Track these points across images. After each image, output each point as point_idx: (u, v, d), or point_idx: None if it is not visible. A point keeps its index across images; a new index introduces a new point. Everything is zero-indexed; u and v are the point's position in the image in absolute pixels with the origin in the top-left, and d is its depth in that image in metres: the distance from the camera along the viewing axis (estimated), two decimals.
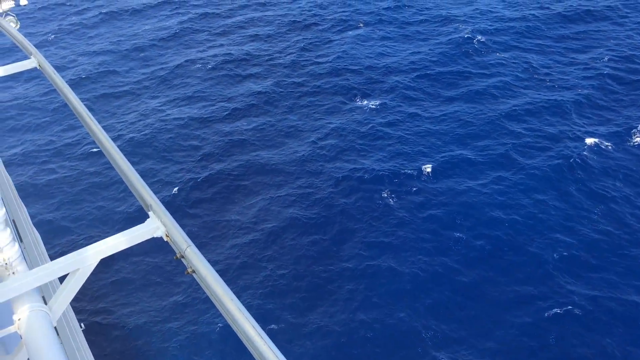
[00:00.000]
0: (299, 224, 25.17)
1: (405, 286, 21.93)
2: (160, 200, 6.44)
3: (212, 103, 34.37)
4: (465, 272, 22.26)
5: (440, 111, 32.13)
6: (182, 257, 5.91)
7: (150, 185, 22.86)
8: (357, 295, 21.75)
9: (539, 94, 32.80)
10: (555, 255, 22.56)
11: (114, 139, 29.19)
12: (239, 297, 5.05)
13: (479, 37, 39.10)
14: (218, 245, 24.38)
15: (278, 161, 29.09)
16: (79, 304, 21.34)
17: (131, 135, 31.31)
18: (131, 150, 30.13)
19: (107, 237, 6.21)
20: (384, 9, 45.01)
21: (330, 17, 44.57)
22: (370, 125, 31.38)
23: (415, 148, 29.42)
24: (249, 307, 19.89)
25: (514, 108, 31.65)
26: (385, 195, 26.39)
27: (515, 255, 22.82)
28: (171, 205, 26.21)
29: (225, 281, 5.40)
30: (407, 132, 30.74)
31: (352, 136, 30.64)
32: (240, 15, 45.96)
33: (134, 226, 6.28)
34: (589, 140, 28.60)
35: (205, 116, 33.02)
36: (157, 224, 6.26)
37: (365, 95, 34.24)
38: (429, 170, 27.60)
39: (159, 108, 33.81)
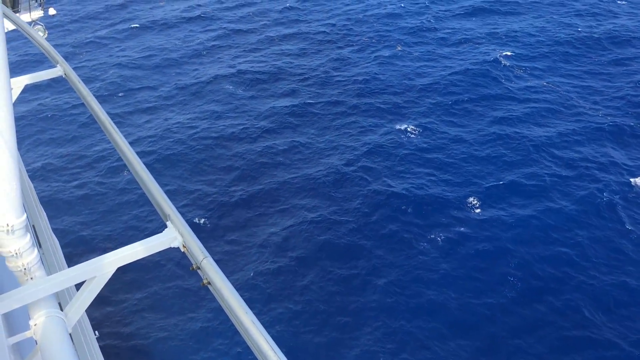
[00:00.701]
0: (331, 253, 24.01)
1: (450, 325, 20.59)
2: (183, 217, 6.46)
3: (243, 120, 33.77)
4: (516, 311, 20.94)
5: (481, 136, 31.17)
6: (199, 268, 5.92)
7: (177, 202, 22.81)
8: (395, 335, 20.50)
9: (588, 122, 31.56)
10: (612, 297, 21.26)
11: (141, 155, 29.40)
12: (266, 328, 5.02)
13: (521, 63, 38.19)
14: (244, 272, 23.55)
15: (310, 183, 28.17)
16: (94, 311, 21.44)
17: (159, 150, 31.10)
18: (159, 167, 29.78)
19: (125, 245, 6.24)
20: (420, 29, 44.18)
21: (365, 36, 43.75)
22: (409, 149, 30.19)
23: (457, 175, 28.14)
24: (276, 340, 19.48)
25: (562, 135, 30.51)
26: (427, 226, 25.02)
27: (568, 294, 21.52)
28: (201, 229, 25.53)
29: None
30: (448, 158, 29.56)
31: (389, 161, 29.53)
32: (273, 31, 45.53)
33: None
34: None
35: (235, 133, 32.40)
36: (175, 234, 6.28)
37: (402, 117, 33.15)
38: (473, 200, 26.21)
39: (189, 124, 33.45)
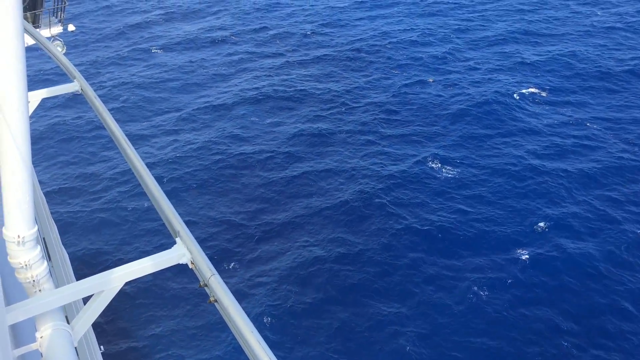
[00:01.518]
0: (356, 291, 22.82)
1: None
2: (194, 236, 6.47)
3: (264, 144, 32.89)
4: None
5: (516, 171, 29.47)
6: (206, 285, 5.91)
7: (196, 229, 22.41)
8: None
9: (629, 159, 30.43)
10: None
11: (158, 175, 29.45)
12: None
13: (552, 96, 36.89)
14: (257, 304, 22.85)
15: (332, 214, 27.01)
16: (99, 325, 21.41)
17: (176, 172, 30.87)
18: (175, 187, 29.51)
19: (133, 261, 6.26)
20: (447, 58, 42.77)
21: (391, 62, 42.47)
22: (439, 181, 28.72)
23: (504, 225, 25.96)
24: None
25: (602, 171, 29.45)
26: (472, 283, 22.96)
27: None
28: (213, 250, 25.11)
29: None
30: (482, 192, 27.86)
31: (419, 193, 27.88)
32: (297, 55, 44.71)
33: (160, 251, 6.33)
34: None
35: (256, 157, 31.62)
36: (183, 251, 6.29)
37: (430, 147, 31.56)
38: (524, 254, 24.10)
39: (208, 146, 32.84)
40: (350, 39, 46.60)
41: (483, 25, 48.12)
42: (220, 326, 21.45)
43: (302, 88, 39.35)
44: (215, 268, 6.03)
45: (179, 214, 6.85)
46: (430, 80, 39.16)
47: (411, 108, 36.25)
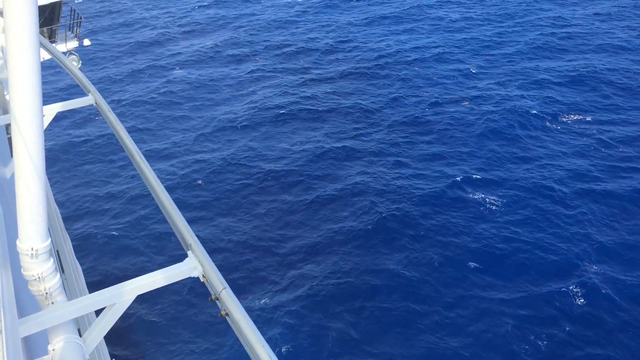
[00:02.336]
0: (395, 338, 21.29)
1: None
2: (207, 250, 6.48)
3: (285, 159, 32.30)
4: None
5: (562, 196, 27.53)
6: (217, 299, 5.91)
7: (208, 242, 21.81)
8: None
9: None
10: None
11: (172, 189, 29.47)
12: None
13: (590, 116, 35.24)
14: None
15: (358, 240, 25.82)
16: (111, 338, 21.42)
17: (192, 185, 30.76)
18: (190, 200, 29.22)
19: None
20: (476, 74, 41.44)
21: (420, 79, 41.13)
22: (484, 215, 26.82)
23: (549, 253, 24.30)
24: None
25: None
26: (516, 320, 21.30)
27: None
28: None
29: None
30: (534, 231, 25.69)
31: (462, 230, 25.99)
32: (322, 70, 43.77)
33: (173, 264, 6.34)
34: None
35: (277, 173, 30.94)
36: (195, 264, 6.30)
37: (470, 174, 29.82)
38: (573, 285, 22.29)
39: (228, 163, 32.41)
40: (374, 55, 45.74)
41: (510, 42, 46.90)
42: (231, 340, 21.39)
43: (326, 105, 38.40)
44: (227, 282, 6.03)
45: (196, 230, 6.85)
46: (466, 103, 37.45)
47: (439, 127, 34.92)
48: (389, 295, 22.99)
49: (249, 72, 44.26)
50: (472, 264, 24.16)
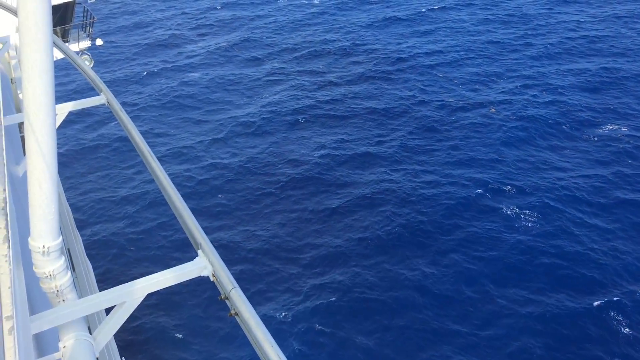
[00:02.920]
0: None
1: None
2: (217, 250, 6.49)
3: (307, 163, 31.64)
4: None
5: (613, 225, 25.99)
6: (227, 298, 5.92)
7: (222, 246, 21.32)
8: None
9: None
10: None
11: (184, 190, 29.53)
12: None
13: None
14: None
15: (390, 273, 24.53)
16: (121, 336, 21.52)
17: (206, 188, 30.62)
18: (202, 203, 29.03)
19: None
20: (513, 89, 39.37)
21: (442, 82, 40.27)
22: (524, 236, 25.52)
23: (589, 267, 23.29)
24: None
25: None
26: (563, 351, 20.32)
27: None
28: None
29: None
30: (579, 250, 24.57)
31: (494, 239, 25.26)
32: (339, 70, 43.06)
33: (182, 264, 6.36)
34: None
35: (296, 176, 30.31)
36: (205, 263, 6.32)
37: (506, 192, 28.35)
38: (616, 315, 21.24)
39: (244, 165, 32.16)
40: (393, 57, 44.64)
41: (534, 45, 45.54)
42: (240, 339, 21.42)
43: (345, 109, 37.50)
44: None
45: (216, 238, 6.87)
46: (492, 110, 36.04)
47: (462, 133, 33.88)
48: (417, 310, 22.23)
49: (265, 74, 43.75)
50: (502, 278, 23.40)
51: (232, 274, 6.12)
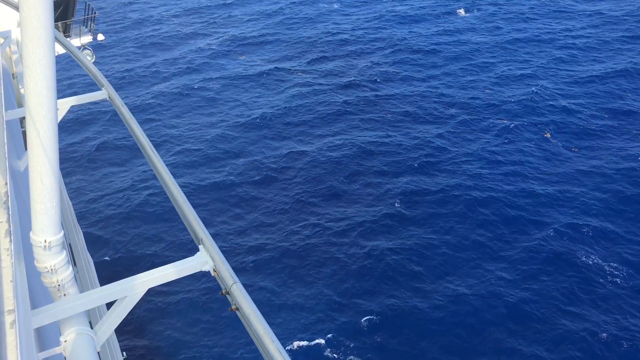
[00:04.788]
0: None
1: None
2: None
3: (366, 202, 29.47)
4: None
5: None
6: (228, 293, 5.93)
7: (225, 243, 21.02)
8: None
9: None
10: None
11: (187, 187, 29.50)
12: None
13: None
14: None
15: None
16: (122, 331, 21.58)
17: (209, 183, 30.48)
18: (203, 197, 28.90)
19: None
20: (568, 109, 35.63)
21: (487, 101, 36.83)
22: (613, 294, 22.48)
23: None
24: None
25: None
26: None
27: None
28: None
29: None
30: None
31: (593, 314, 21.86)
32: (378, 85, 41.05)
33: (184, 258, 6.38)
34: None
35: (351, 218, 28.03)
36: (206, 258, 6.33)
37: (586, 234, 25.29)
38: None
39: (261, 167, 31.46)
40: (435, 72, 40.83)
41: (593, 58, 41.52)
42: (241, 334, 21.47)
43: (373, 108, 35.08)
44: (239, 277, 6.06)
45: (212, 233, 6.87)
46: (547, 135, 32.68)
47: (517, 157, 30.70)
48: None
49: (279, 72, 42.69)
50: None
51: (233, 269, 6.14)
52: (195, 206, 7.12)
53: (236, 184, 30.44)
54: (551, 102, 35.91)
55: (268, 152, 33.10)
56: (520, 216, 26.40)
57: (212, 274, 6.30)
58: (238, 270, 23.54)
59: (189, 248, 25.29)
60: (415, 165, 30.92)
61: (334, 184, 29.90)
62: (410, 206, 27.83)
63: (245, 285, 5.89)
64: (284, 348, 5.09)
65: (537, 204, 27.22)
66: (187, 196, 7.33)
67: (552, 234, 25.19)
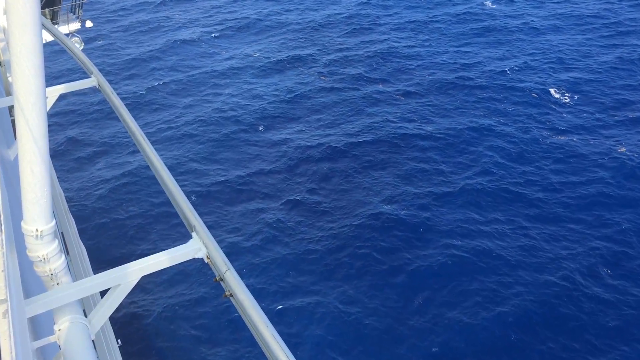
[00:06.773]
0: None
1: None
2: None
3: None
4: None
5: None
6: (221, 279, 5.96)
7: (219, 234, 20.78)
8: None
9: None
10: None
11: (178, 174, 29.25)
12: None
13: None
14: None
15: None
16: (116, 319, 21.61)
17: (240, 196, 29.16)
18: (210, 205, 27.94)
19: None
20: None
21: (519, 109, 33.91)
22: None
23: None
24: None
25: None
26: None
27: None
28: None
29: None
30: None
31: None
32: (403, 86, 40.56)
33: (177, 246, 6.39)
34: None
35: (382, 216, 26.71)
36: (199, 245, 6.35)
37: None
38: None
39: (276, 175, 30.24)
40: (463, 74, 37.91)
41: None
42: (235, 321, 21.57)
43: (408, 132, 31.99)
44: (232, 263, 6.07)
45: (206, 221, 6.86)
46: (622, 149, 28.77)
47: (546, 180, 27.64)
48: None
49: (282, 63, 41.43)
50: None
51: (227, 255, 6.15)
52: (188, 194, 7.12)
53: (233, 175, 30.39)
54: None
55: (265, 142, 32.99)
56: None
57: (206, 260, 6.33)
58: (231, 258, 23.48)
59: (182, 235, 25.27)
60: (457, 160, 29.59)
61: (338, 176, 29.64)
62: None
63: (239, 272, 5.90)
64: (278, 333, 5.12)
65: None
66: (179, 185, 7.33)
67: None
